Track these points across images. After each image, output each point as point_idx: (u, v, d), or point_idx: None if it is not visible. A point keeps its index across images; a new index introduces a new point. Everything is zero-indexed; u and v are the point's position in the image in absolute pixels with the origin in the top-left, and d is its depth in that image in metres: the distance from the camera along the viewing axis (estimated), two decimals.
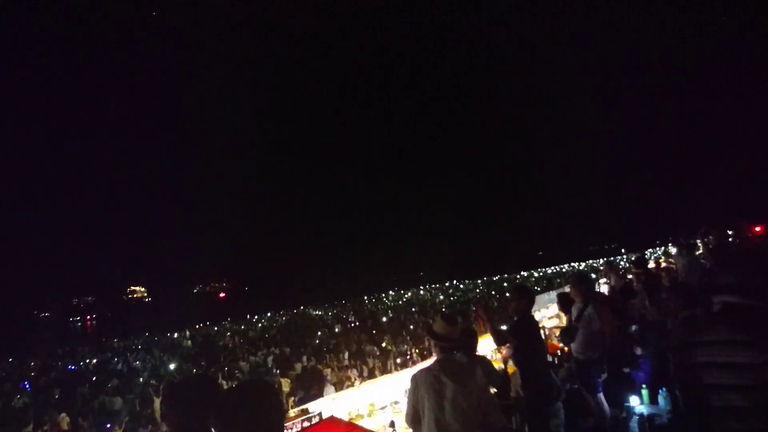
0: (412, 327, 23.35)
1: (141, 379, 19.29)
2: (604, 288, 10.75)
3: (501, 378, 3.70)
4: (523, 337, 3.80)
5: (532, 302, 4.16)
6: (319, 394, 11.43)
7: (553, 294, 9.25)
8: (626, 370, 4.66)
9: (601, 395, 4.48)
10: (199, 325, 49.39)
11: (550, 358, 5.76)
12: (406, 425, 3.08)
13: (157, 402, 12.96)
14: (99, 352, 36.84)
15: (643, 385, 4.70)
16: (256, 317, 51.88)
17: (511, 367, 5.30)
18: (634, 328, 5.10)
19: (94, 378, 21.78)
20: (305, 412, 5.85)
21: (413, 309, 36.00)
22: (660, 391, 4.50)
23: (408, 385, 2.94)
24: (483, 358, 3.45)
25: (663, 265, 13.15)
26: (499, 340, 3.97)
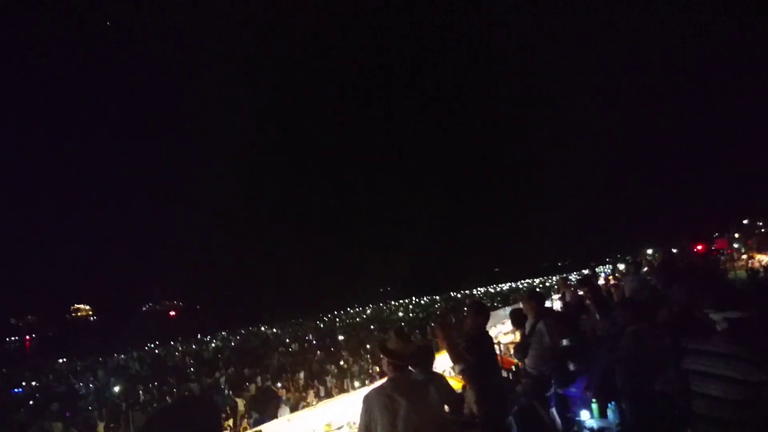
0: (369, 346, 23.17)
1: (84, 403, 18.28)
2: (557, 304, 11.07)
3: (455, 395, 3.70)
4: (478, 353, 3.83)
5: (487, 318, 4.21)
6: (274, 416, 11.13)
7: (509, 310, 9.42)
8: (559, 390, 4.70)
9: (554, 410, 4.55)
10: (149, 346, 47.34)
11: (505, 374, 5.84)
12: None
13: (101, 426, 12.26)
14: (39, 374, 34.68)
15: (593, 400, 4.81)
16: (209, 337, 50.22)
17: (461, 382, 5.31)
18: (565, 342, 5.15)
19: (31, 402, 20.48)
20: None
21: (372, 326, 35.82)
22: (609, 404, 4.63)
23: None
24: (438, 375, 3.44)
25: (612, 282, 13.70)
26: (456, 356, 3.99)
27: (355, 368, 17.88)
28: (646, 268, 9.29)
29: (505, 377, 5.24)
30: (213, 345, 41.13)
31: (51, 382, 28.24)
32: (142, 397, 18.05)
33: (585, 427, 4.39)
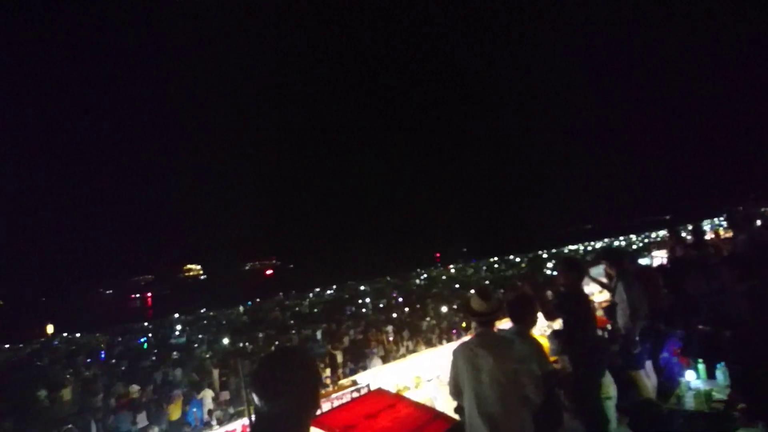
0: (453, 303, 23.35)
1: (200, 352, 20.36)
2: (657, 261, 10.37)
3: (544, 356, 3.58)
4: (571, 311, 3.72)
5: (581, 275, 4.03)
6: (367, 366, 11.76)
7: (601, 268, 8.98)
8: (636, 350, 4.41)
9: (648, 370, 4.35)
10: (251, 302, 51.06)
11: (601, 333, 5.64)
12: (449, 398, 3.14)
13: (215, 372, 13.71)
14: (158, 326, 38.97)
15: (699, 360, 4.53)
16: (310, 293, 53.11)
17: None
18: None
19: (155, 351, 23.16)
20: (354, 383, 6.07)
21: (457, 285, 35.96)
22: (717, 365, 4.34)
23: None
24: (533, 340, 3.38)
25: (721, 236, 12.51)
26: (548, 314, 3.91)
27: (442, 325, 18.21)
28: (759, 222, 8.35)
29: (600, 336, 5.06)
30: (307, 300, 43.64)
31: (171, 334, 31.62)
32: (248, 347, 19.84)
33: (690, 389, 4.17)
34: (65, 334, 45.19)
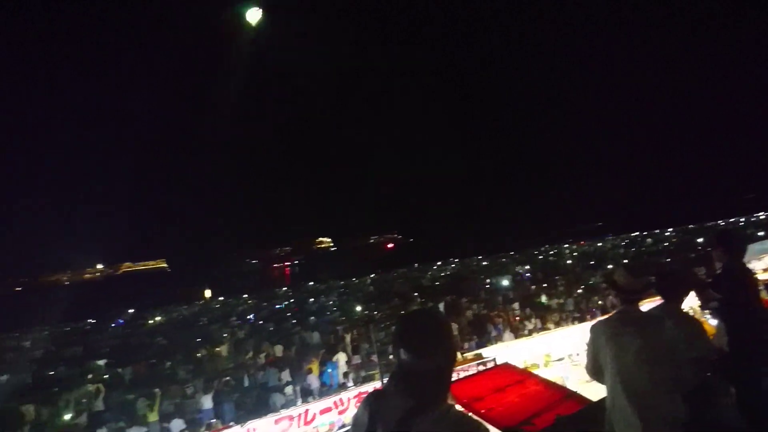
0: (591, 281, 21.94)
1: (332, 317, 21.91)
2: None
3: (702, 336, 3.22)
4: (729, 289, 3.32)
5: (739, 250, 3.57)
6: (490, 342, 11.69)
7: (767, 243, 7.79)
8: None
9: None
10: (375, 273, 53.35)
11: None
12: (581, 379, 3.00)
13: (348, 338, 14.69)
14: (297, 293, 42.61)
15: None
16: (434, 266, 53.91)
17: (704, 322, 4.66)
18: None
19: (294, 315, 25.44)
20: (479, 356, 6.09)
21: (591, 261, 33.76)
22: None
23: (586, 338, 2.84)
24: (686, 319, 3.07)
25: None
26: (702, 294, 3.53)
27: (581, 304, 17.27)
28: None
29: (765, 318, 4.42)
30: (429, 274, 44.34)
31: (307, 300, 34.34)
32: (376, 315, 20.88)
33: None
34: (221, 298, 51.80)
